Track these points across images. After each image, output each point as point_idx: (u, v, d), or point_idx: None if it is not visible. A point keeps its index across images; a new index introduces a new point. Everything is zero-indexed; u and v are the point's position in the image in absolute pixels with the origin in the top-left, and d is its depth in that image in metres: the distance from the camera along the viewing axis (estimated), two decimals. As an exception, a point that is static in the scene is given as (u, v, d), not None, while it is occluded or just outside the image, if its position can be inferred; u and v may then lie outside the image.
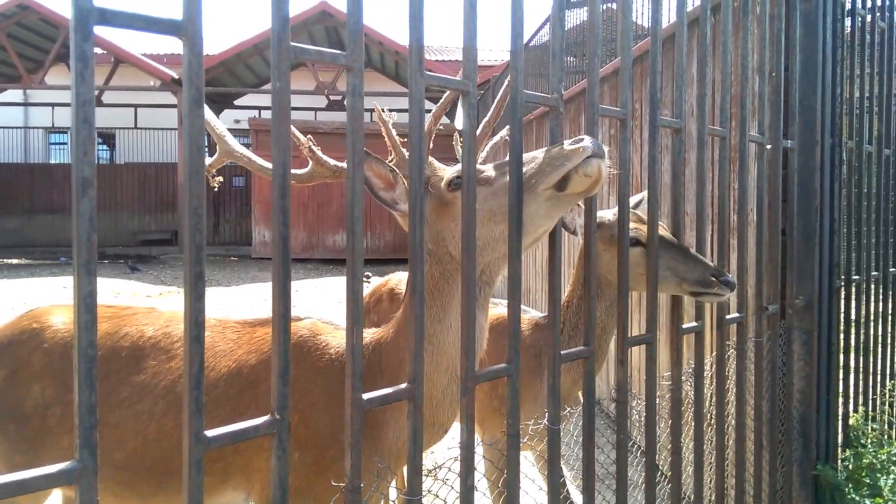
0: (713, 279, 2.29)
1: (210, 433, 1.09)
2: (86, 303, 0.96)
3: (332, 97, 19.63)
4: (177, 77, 18.36)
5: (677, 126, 2.16)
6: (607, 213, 2.57)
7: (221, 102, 21.11)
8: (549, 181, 1.62)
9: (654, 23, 2.04)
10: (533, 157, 1.68)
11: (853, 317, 3.70)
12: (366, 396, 1.32)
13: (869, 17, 3.82)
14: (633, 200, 2.46)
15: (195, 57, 1.06)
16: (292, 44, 1.18)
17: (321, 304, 10.62)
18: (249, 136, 19.28)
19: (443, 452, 2.21)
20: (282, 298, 1.19)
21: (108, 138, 24.91)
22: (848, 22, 3.61)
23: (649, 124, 2.05)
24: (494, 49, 23.69)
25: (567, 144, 1.61)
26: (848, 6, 3.57)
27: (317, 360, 2.01)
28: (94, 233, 0.96)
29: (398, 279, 3.62)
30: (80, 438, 0.97)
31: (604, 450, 2.63)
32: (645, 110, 4.46)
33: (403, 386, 1.41)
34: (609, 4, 7.47)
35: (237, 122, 23.12)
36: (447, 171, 1.89)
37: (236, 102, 22.02)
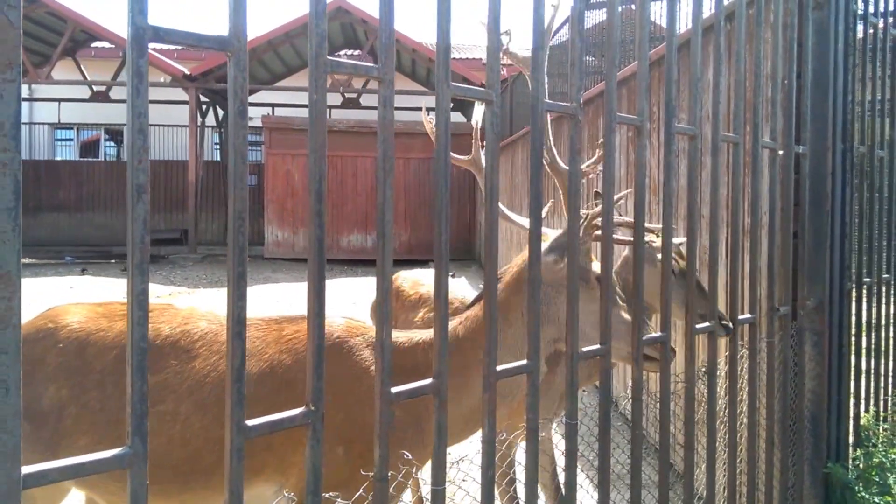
0: (718, 320, 2.43)
1: (250, 423, 1.15)
2: (138, 300, 1.02)
3: (346, 95, 19.41)
4: (188, 73, 17.96)
5: (692, 133, 2.20)
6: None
7: None
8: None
9: (670, 33, 2.08)
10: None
11: (864, 319, 3.72)
12: (394, 390, 1.37)
13: (881, 24, 3.83)
14: (675, 241, 2.51)
15: (240, 72, 1.12)
16: (329, 58, 1.23)
17: (337, 304, 10.68)
18: (262, 135, 19.11)
19: (463, 446, 2.27)
20: (316, 298, 1.25)
21: (115, 135, 24.58)
22: (860, 27, 3.62)
23: (665, 131, 2.09)
24: (513, 48, 23.59)
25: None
26: (860, 12, 3.58)
27: (359, 359, 2.05)
28: (148, 235, 1.02)
29: (403, 277, 3.69)
30: (132, 426, 1.03)
31: (619, 445, 2.68)
32: (662, 115, 4.50)
33: (428, 381, 1.47)
34: (628, 5, 7.48)
35: (249, 119, 22.85)
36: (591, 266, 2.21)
37: (249, 99, 21.72)
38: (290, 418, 1.22)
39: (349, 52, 21.95)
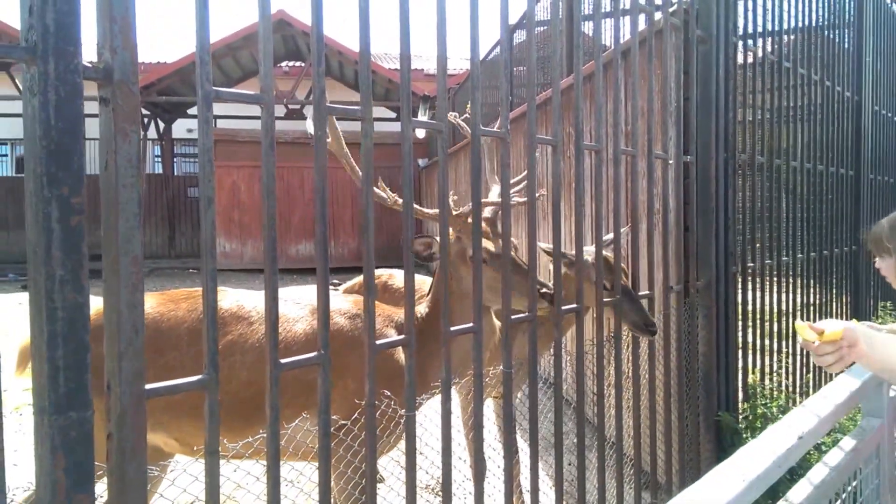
0: (645, 326, 3.01)
1: (283, 360, 1.61)
2: (211, 275, 1.47)
3: (290, 106, 19.18)
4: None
5: (597, 148, 2.73)
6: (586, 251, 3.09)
7: (174, 112, 20.59)
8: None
9: (577, 71, 2.60)
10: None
11: (749, 298, 4.33)
12: (378, 342, 1.85)
13: (760, 52, 4.47)
14: (606, 238, 3.04)
15: (269, 117, 1.57)
16: (328, 104, 1.70)
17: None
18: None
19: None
20: (323, 284, 1.71)
21: None
22: (741, 56, 4.24)
23: (575, 149, 2.61)
24: (453, 58, 24.15)
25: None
26: (741, 32, 4.18)
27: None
28: (215, 232, 1.47)
29: (389, 273, 4.20)
30: (207, 359, 1.48)
31: (547, 415, 3.20)
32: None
33: (401, 336, 1.94)
34: (546, 27, 8.06)
35: (190, 131, 22.54)
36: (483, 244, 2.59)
37: (189, 112, 20.98)
38: (307, 358, 1.68)
39: (290, 63, 21.92)
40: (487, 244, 2.81)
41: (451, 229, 2.72)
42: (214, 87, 1.48)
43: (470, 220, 2.57)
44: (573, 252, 2.90)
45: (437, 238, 2.54)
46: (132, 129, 1.33)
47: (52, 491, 1.23)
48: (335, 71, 20.49)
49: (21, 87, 1.24)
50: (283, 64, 21.73)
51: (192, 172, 23.64)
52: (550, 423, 3.03)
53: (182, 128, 22.34)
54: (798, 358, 5.02)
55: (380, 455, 2.71)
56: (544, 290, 2.69)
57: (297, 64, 20.98)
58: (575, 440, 2.74)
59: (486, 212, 2.92)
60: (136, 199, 1.33)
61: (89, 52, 1.32)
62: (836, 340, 1.74)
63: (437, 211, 2.31)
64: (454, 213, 2.74)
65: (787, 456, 1.70)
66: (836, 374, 2.12)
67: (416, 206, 2.63)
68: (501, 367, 2.31)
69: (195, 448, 2.65)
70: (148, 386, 1.36)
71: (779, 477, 1.67)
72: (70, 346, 1.23)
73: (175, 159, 23.37)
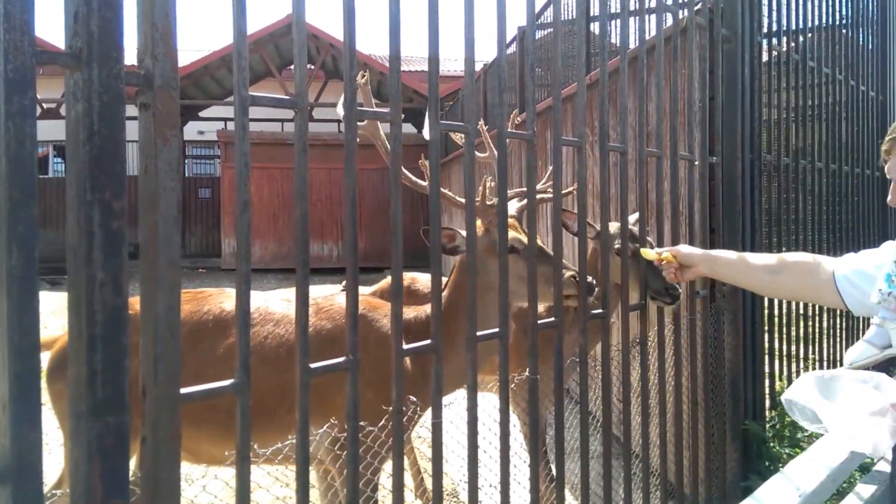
0: (665, 290, 3.05)
1: (312, 365, 1.66)
2: (245, 279, 1.52)
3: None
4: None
5: (622, 150, 2.78)
6: (612, 226, 3.13)
7: (186, 114, 20.73)
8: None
9: (602, 73, 2.65)
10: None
11: (776, 301, 4.37)
12: (405, 347, 1.89)
13: (784, 48, 4.51)
14: (632, 218, 3.05)
15: (303, 121, 1.63)
16: (358, 109, 1.75)
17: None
18: (217, 148, 19.12)
19: (457, 393, 2.88)
20: (352, 290, 1.76)
21: (63, 151, 24.58)
22: (766, 49, 4.28)
23: (599, 150, 2.66)
24: (461, 59, 24.20)
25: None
26: (766, 45, 4.23)
27: (381, 326, 2.67)
28: (250, 233, 1.52)
29: (412, 277, 4.27)
30: (240, 365, 1.52)
31: (572, 423, 3.24)
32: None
33: (428, 342, 1.99)
34: (570, 26, 8.12)
35: (201, 133, 23.15)
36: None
37: (201, 114, 21.76)
38: (336, 364, 1.73)
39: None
40: (519, 235, 2.84)
41: (479, 221, 2.77)
42: (253, 94, 1.53)
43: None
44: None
45: (463, 232, 2.61)
46: (172, 134, 1.38)
47: (88, 497, 1.27)
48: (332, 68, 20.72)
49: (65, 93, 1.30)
50: (293, 67, 22.01)
51: (202, 174, 24.24)
52: (574, 430, 3.07)
53: (193, 130, 22.73)
54: (826, 364, 5.04)
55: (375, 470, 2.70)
56: (572, 275, 2.74)
57: (309, 67, 21.17)
58: (599, 448, 2.78)
59: (512, 209, 2.98)
60: (175, 203, 1.38)
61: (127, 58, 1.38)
62: (670, 262, 2.24)
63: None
64: (487, 202, 2.76)
65: (841, 470, 1.72)
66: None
67: (447, 191, 2.70)
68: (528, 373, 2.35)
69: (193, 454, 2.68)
70: (183, 390, 1.41)
71: (832, 492, 1.69)
72: (109, 349, 1.28)
73: (186, 160, 23.83)
